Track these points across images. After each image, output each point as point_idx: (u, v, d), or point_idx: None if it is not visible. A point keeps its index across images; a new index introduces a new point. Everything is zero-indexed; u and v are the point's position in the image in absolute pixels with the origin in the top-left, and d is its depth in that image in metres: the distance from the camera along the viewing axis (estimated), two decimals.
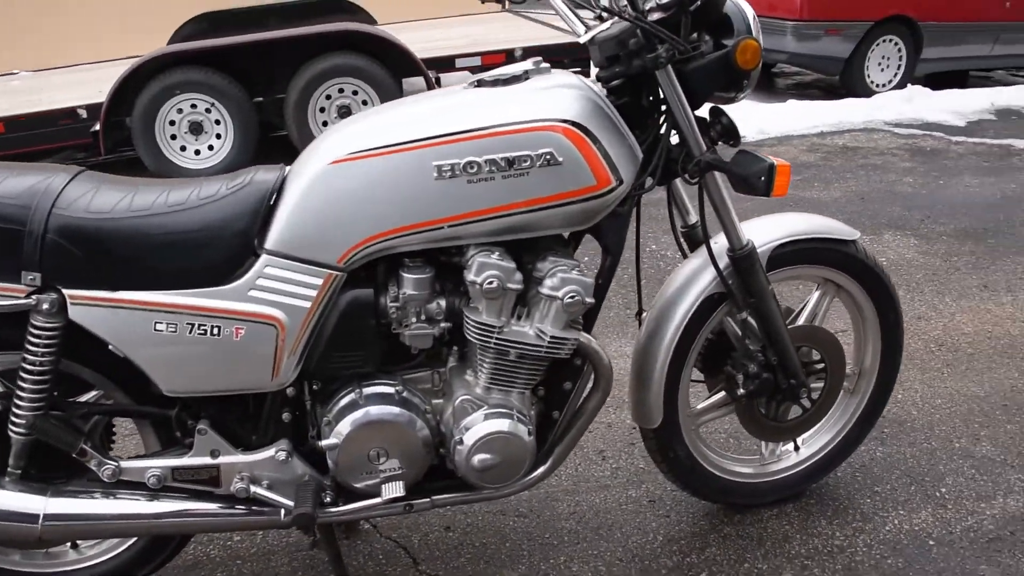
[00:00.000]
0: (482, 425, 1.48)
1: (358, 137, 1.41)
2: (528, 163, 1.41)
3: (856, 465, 2.18)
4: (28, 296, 1.35)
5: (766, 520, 2.00)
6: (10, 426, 1.43)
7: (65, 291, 1.36)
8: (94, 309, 1.37)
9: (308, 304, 1.42)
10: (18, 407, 1.42)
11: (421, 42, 5.15)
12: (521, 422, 1.50)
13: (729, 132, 1.61)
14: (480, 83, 1.49)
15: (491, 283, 1.41)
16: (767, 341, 1.79)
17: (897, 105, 6.14)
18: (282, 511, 1.51)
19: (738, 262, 1.70)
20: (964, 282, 3.28)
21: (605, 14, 1.57)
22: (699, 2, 1.48)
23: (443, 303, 1.48)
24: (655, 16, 1.53)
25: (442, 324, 1.49)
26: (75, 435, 1.46)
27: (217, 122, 4.63)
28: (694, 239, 1.86)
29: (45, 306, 1.35)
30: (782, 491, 2.03)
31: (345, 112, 4.84)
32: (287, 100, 4.70)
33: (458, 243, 1.46)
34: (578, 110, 1.44)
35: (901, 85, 6.64)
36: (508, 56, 5.27)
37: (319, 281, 1.42)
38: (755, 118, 5.72)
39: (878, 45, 6.55)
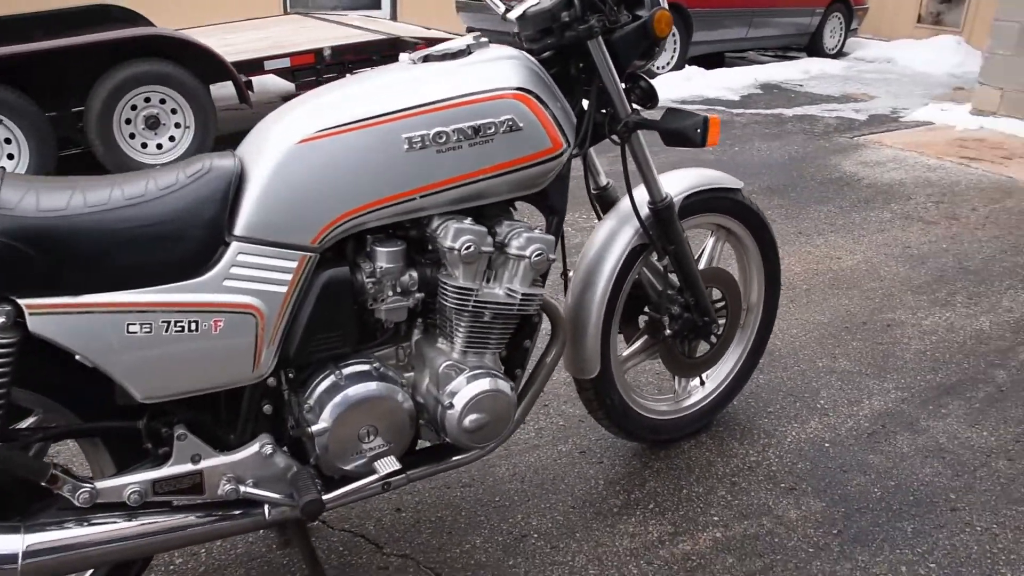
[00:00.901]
0: (469, 387, 1.52)
1: (323, 114, 1.40)
2: (492, 130, 1.47)
3: (748, 393, 2.43)
4: None
5: (688, 451, 2.19)
6: None
7: (21, 301, 1.24)
8: (57, 318, 1.25)
9: (284, 289, 1.39)
10: None
11: (219, 47, 4.92)
12: (501, 379, 1.56)
13: (648, 95, 1.76)
14: (428, 58, 1.53)
15: (468, 247, 1.45)
16: (684, 284, 1.96)
17: (679, 84, 6.73)
18: (266, 508, 1.47)
19: (659, 213, 1.85)
20: (783, 230, 3.71)
21: None
22: None
23: (415, 274, 1.50)
24: None
25: (416, 295, 1.51)
26: (42, 463, 1.32)
27: (8, 140, 4.18)
28: (605, 200, 1.99)
29: (0, 319, 1.22)
30: (698, 422, 2.23)
31: (154, 123, 4.55)
32: (88, 113, 4.33)
33: (422, 214, 1.49)
34: (528, 78, 1.52)
35: (678, 67, 7.26)
36: (317, 56, 5.17)
37: (293, 264, 1.39)
38: None
39: None
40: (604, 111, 1.73)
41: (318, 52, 5.16)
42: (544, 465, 2.15)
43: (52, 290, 1.25)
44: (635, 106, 1.75)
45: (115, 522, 1.37)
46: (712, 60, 7.96)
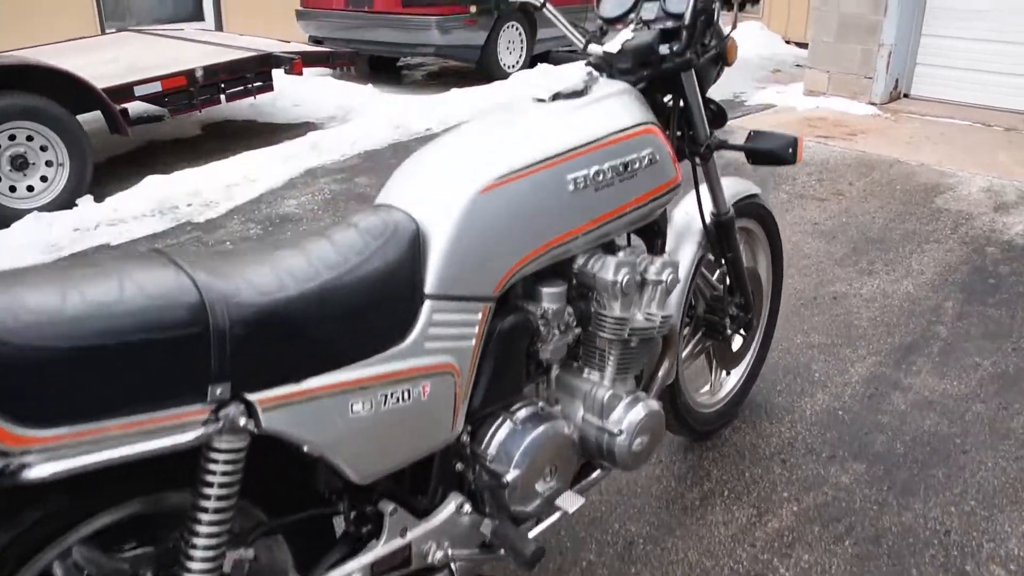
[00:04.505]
0: (632, 414, 1.60)
1: (496, 160, 1.41)
2: (637, 165, 1.55)
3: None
4: (213, 414, 1.11)
5: (730, 438, 2.37)
6: None
7: (252, 397, 1.15)
8: (287, 410, 1.17)
9: (472, 342, 1.40)
10: (193, 557, 1.16)
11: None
12: (651, 400, 1.65)
13: (719, 116, 1.89)
14: (557, 96, 1.57)
15: (627, 279, 1.53)
16: (736, 286, 2.13)
17: (538, 80, 6.93)
18: (455, 567, 1.47)
19: (724, 225, 2.00)
20: None
21: (627, 26, 1.73)
22: (705, 15, 1.71)
23: (571, 310, 1.55)
24: (662, 25, 1.74)
25: (575, 330, 1.56)
26: (279, 562, 1.25)
27: None
28: None
29: (241, 421, 1.12)
30: (736, 408, 2.42)
31: (22, 163, 4.10)
32: None
33: (573, 252, 1.54)
34: (649, 112, 1.61)
35: (527, 65, 7.49)
36: (189, 78, 4.86)
37: (478, 316, 1.40)
38: (433, 110, 6.06)
39: (504, 31, 7.30)
40: (681, 132, 1.84)
41: (190, 74, 4.85)
42: (608, 476, 2.24)
43: (280, 380, 1.17)
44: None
45: None
46: (542, 56, 8.22)
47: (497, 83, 6.91)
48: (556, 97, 1.57)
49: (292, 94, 6.52)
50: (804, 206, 4.13)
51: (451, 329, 1.36)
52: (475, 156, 1.44)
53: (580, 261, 1.56)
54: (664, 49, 1.71)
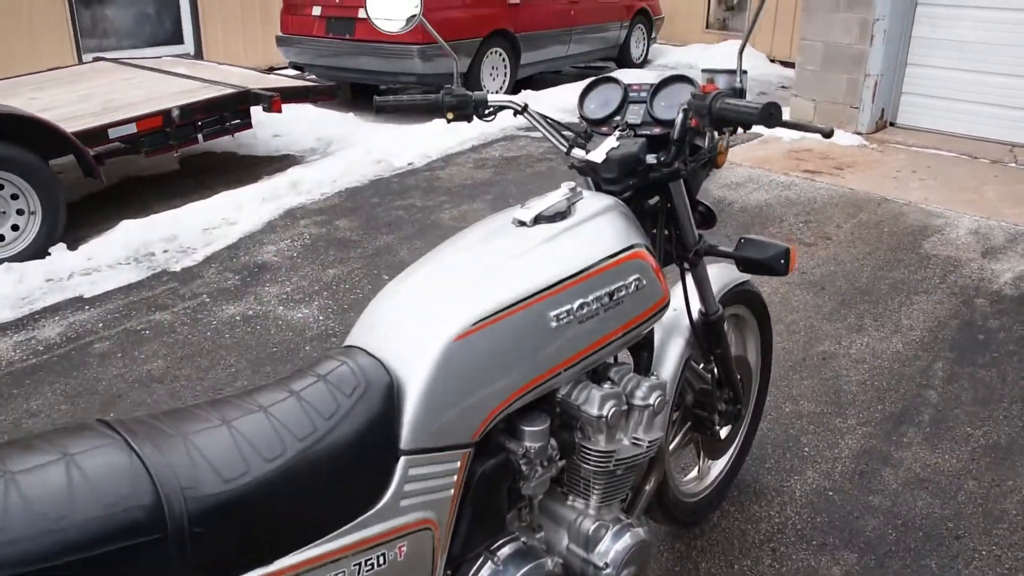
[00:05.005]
0: (618, 545, 1.53)
1: (470, 301, 1.34)
2: (623, 292, 1.48)
3: None
4: None
5: (719, 524, 2.32)
6: None
7: None
8: None
9: (451, 492, 1.33)
10: None
11: (35, 110, 4.36)
12: (637, 526, 1.59)
13: (707, 218, 1.83)
14: (539, 218, 1.50)
15: (613, 411, 1.46)
16: (724, 380, 2.07)
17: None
18: None
19: (713, 324, 1.94)
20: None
21: (612, 130, 1.67)
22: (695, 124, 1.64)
23: (555, 443, 1.49)
24: (649, 131, 1.68)
25: (559, 463, 1.50)
26: None
27: None
28: None
29: None
30: (723, 494, 2.36)
31: None
32: None
33: (555, 386, 1.48)
34: (636, 228, 1.55)
35: (512, 90, 7.43)
36: (165, 118, 4.76)
37: (457, 464, 1.33)
38: (414, 143, 5.98)
39: (488, 57, 7.23)
40: (668, 233, 1.78)
41: (166, 114, 4.76)
42: None
43: (247, 566, 1.10)
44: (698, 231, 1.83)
45: None
46: (523, 81, 8.14)
47: None
48: (538, 220, 1.50)
49: (273, 124, 6.43)
50: None
51: (428, 483, 1.29)
52: (451, 295, 1.37)
53: (564, 391, 1.49)
54: (651, 158, 1.65)
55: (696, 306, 1.93)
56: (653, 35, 9.72)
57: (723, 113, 1.46)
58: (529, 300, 1.37)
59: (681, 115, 1.60)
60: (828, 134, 1.33)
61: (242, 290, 3.84)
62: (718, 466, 2.36)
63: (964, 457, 2.58)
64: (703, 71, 1.65)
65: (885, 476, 2.50)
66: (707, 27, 10.65)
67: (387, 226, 4.56)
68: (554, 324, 1.39)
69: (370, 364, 1.30)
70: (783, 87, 8.30)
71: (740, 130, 1.52)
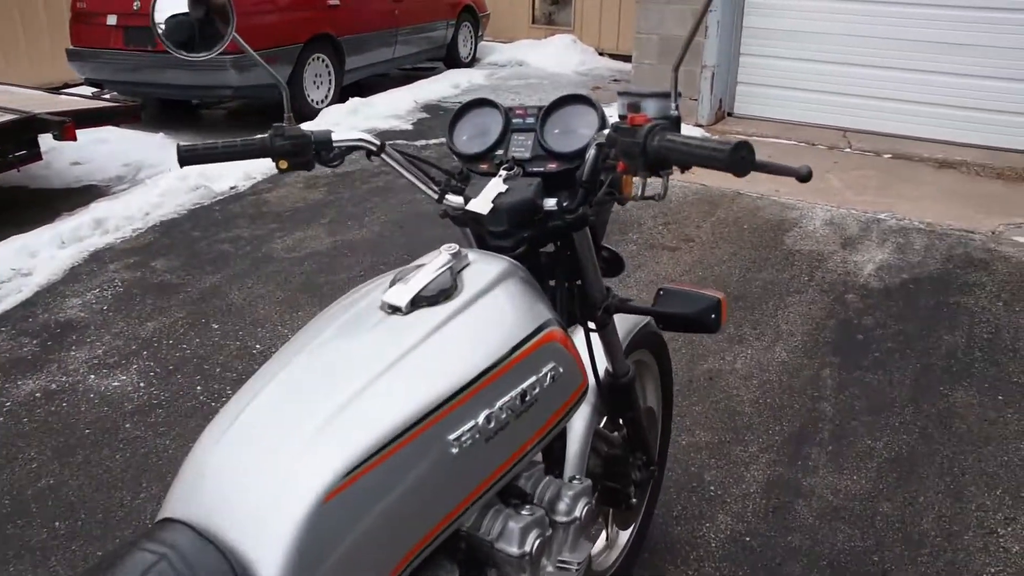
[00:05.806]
0: None
1: (339, 441, 0.95)
2: (538, 388, 1.14)
3: None
4: None
5: None
6: None
7: None
8: None
9: None
10: None
11: None
12: None
13: (613, 265, 1.52)
14: (417, 301, 1.12)
15: (537, 544, 1.12)
16: (635, 443, 1.78)
17: (348, 120, 6.38)
18: None
19: (624, 386, 1.64)
20: None
21: (493, 167, 1.32)
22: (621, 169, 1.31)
23: None
24: (542, 167, 1.34)
25: None
26: None
27: None
28: None
29: None
30: (633, 562, 2.07)
31: None
32: None
33: (461, 524, 1.12)
34: (542, 301, 1.21)
35: (338, 99, 6.92)
36: None
37: None
38: (236, 163, 5.39)
39: (310, 64, 6.69)
40: (569, 286, 1.45)
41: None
42: None
43: None
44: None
45: None
46: (350, 87, 7.64)
47: (306, 124, 6.32)
48: (416, 303, 1.13)
49: (70, 151, 5.64)
50: (656, 258, 3.90)
51: None
52: (309, 432, 0.97)
53: (469, 522, 1.14)
54: (550, 202, 1.31)
55: (603, 366, 1.62)
56: (480, 33, 9.46)
57: (667, 154, 1.11)
58: (420, 425, 1.00)
59: (593, 151, 1.27)
60: (805, 177, 1.04)
61: (42, 358, 3.20)
62: (627, 531, 2.08)
63: (872, 476, 2.44)
64: (620, 94, 1.31)
65: (799, 509, 2.31)
66: (533, 22, 10.50)
67: (212, 263, 4.00)
68: (455, 450, 1.03)
69: (199, 550, 0.89)
70: (615, 80, 8.27)
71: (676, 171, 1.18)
